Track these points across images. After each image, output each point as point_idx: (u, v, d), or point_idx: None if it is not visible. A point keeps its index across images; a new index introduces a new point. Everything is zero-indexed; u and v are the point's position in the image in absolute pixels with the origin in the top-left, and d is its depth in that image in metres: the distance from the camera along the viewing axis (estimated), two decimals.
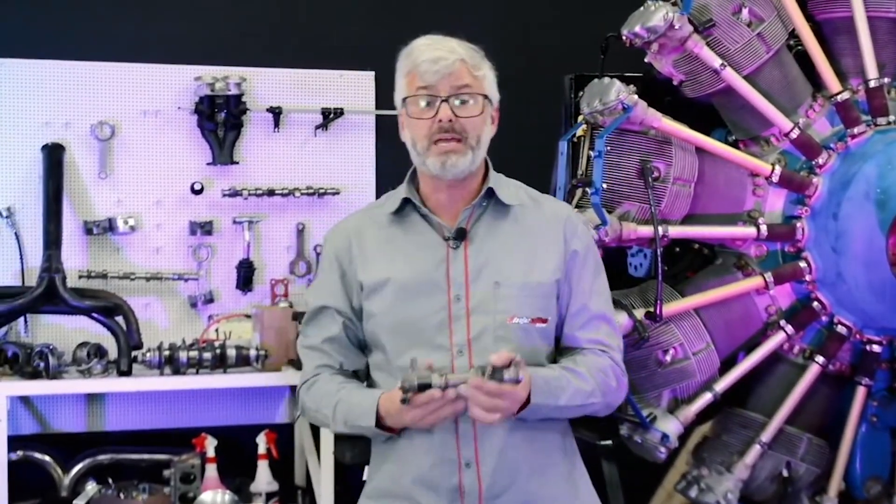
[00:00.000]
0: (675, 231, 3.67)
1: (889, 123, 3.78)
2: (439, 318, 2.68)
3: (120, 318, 4.58)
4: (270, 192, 5.11)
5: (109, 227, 4.91)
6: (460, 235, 2.71)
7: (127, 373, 4.51)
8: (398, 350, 2.70)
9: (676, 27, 3.57)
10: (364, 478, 2.90)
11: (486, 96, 2.71)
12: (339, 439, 4.66)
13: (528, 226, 2.77)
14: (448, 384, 2.47)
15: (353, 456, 4.85)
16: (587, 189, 3.60)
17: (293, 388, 5.10)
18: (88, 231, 4.92)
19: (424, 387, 2.46)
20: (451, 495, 2.67)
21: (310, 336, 2.85)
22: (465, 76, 2.68)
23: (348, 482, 4.93)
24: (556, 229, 2.78)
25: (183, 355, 4.53)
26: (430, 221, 2.75)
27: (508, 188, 2.80)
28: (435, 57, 2.67)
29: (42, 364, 4.42)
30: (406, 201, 2.78)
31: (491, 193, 2.76)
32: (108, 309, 4.59)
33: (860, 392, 3.80)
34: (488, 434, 2.66)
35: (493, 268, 2.70)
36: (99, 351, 4.58)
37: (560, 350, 2.79)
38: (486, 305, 2.68)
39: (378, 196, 5.20)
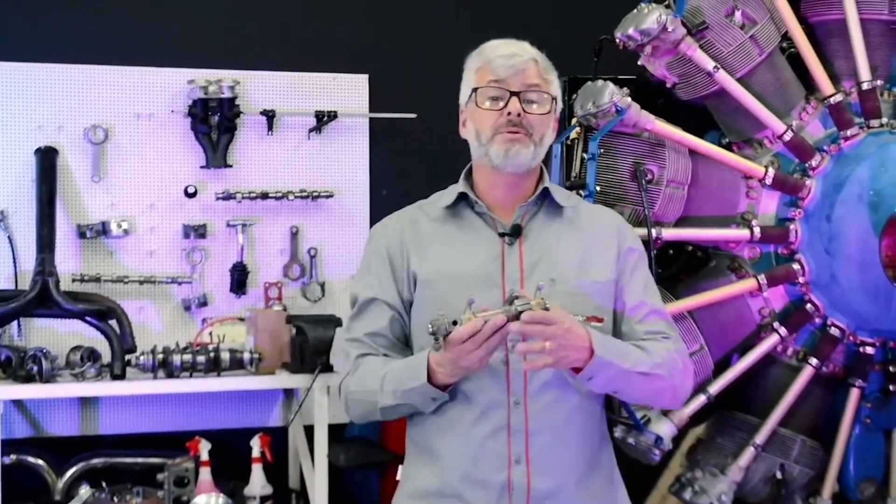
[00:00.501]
0: (669, 233, 3.67)
1: (882, 126, 3.79)
2: None
3: (113, 322, 4.58)
4: (264, 196, 5.11)
5: (103, 230, 4.91)
6: (516, 232, 2.71)
7: (120, 376, 4.50)
8: None
9: (669, 30, 3.58)
10: (398, 477, 2.88)
11: (554, 98, 2.73)
12: (333, 443, 4.69)
13: (581, 226, 2.78)
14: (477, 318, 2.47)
15: (347, 459, 4.89)
16: (581, 191, 3.60)
17: (287, 392, 5.11)
18: (82, 234, 4.91)
19: (456, 323, 2.47)
20: (500, 492, 2.65)
21: (353, 330, 2.80)
22: (536, 76, 2.70)
23: (342, 485, 4.94)
24: (610, 231, 2.79)
25: (177, 359, 4.53)
26: (484, 217, 2.76)
27: (562, 191, 2.83)
28: (510, 52, 2.70)
29: (35, 368, 4.42)
30: (461, 197, 2.78)
31: (546, 194, 2.77)
32: (102, 312, 4.59)
33: (854, 394, 3.81)
34: (540, 431, 2.65)
35: (547, 264, 2.70)
36: (92, 354, 4.58)
37: None
38: None
39: (372, 199, 5.26)
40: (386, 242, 2.81)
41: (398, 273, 2.77)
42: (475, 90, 2.72)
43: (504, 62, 2.68)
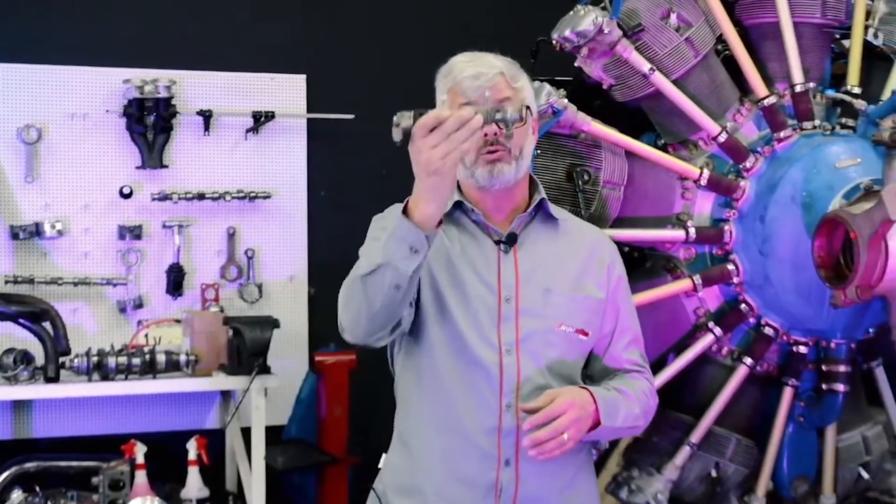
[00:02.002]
0: None
1: (815, 128, 3.82)
2: (489, 315, 2.70)
3: (47, 324, 4.53)
4: (201, 196, 5.08)
5: (36, 231, 4.87)
6: (511, 240, 2.75)
7: (54, 379, 4.46)
8: (448, 341, 2.69)
9: (606, 31, 3.59)
10: (380, 465, 2.86)
11: (527, 107, 2.72)
12: (270, 445, 4.67)
13: (574, 241, 2.83)
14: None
15: (284, 461, 4.87)
16: None
17: (224, 394, 5.08)
18: (15, 236, 4.86)
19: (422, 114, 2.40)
20: (487, 492, 2.68)
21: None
22: (505, 89, 2.70)
23: (279, 488, 4.92)
24: (600, 251, 2.86)
25: (112, 361, 4.50)
26: (480, 225, 2.77)
27: (551, 203, 2.86)
28: (475, 73, 2.69)
29: None
30: (457, 205, 2.78)
31: (540, 205, 2.80)
32: (35, 314, 4.54)
33: (787, 393, 3.84)
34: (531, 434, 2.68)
35: (543, 274, 2.74)
36: (26, 357, 4.53)
37: (600, 368, 2.83)
38: (536, 309, 2.72)
39: (310, 200, 5.25)
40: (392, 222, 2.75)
41: None
42: None
43: (471, 84, 2.67)
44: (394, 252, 2.48)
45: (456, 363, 2.69)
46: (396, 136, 2.41)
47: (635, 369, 2.86)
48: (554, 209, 2.84)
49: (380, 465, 2.87)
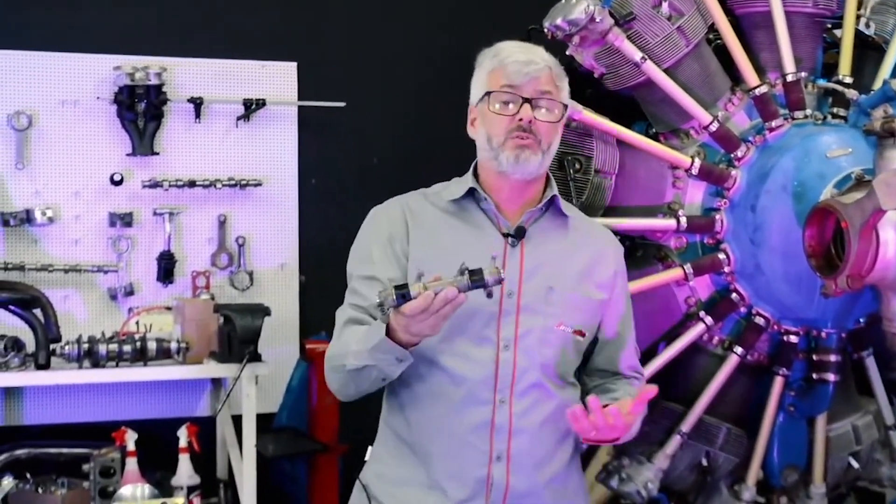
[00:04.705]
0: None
1: (806, 117, 3.82)
2: (490, 310, 2.68)
3: (38, 311, 4.52)
4: (191, 184, 5.07)
5: (27, 218, 4.85)
6: (520, 233, 2.74)
7: (45, 366, 4.45)
8: (445, 337, 2.67)
9: (597, 20, 3.59)
10: (366, 458, 2.87)
11: (565, 106, 2.75)
12: (261, 432, 4.67)
13: (582, 241, 2.83)
14: (428, 290, 2.46)
15: (275, 449, 4.87)
16: None
17: (215, 381, 5.08)
18: (5, 223, 4.85)
19: (405, 296, 2.45)
20: (478, 487, 2.68)
21: (346, 305, 2.80)
22: (549, 83, 2.72)
23: (270, 475, 4.92)
24: (608, 252, 2.87)
25: (102, 348, 4.49)
26: (489, 215, 2.76)
27: (564, 201, 2.86)
28: (526, 59, 2.70)
29: None
30: (470, 191, 2.77)
31: (552, 201, 2.79)
32: (26, 301, 4.53)
33: (778, 382, 3.85)
34: (521, 430, 2.69)
35: (547, 271, 2.74)
36: (16, 344, 4.52)
37: (598, 371, 2.85)
38: (537, 306, 2.71)
39: (301, 188, 5.24)
40: (389, 222, 2.79)
41: (398, 254, 2.76)
42: (488, 94, 2.71)
43: (520, 68, 2.68)
44: (380, 360, 2.60)
45: (450, 358, 2.68)
46: (382, 318, 2.57)
47: (634, 376, 2.90)
48: (565, 206, 2.83)
49: (366, 458, 2.86)
